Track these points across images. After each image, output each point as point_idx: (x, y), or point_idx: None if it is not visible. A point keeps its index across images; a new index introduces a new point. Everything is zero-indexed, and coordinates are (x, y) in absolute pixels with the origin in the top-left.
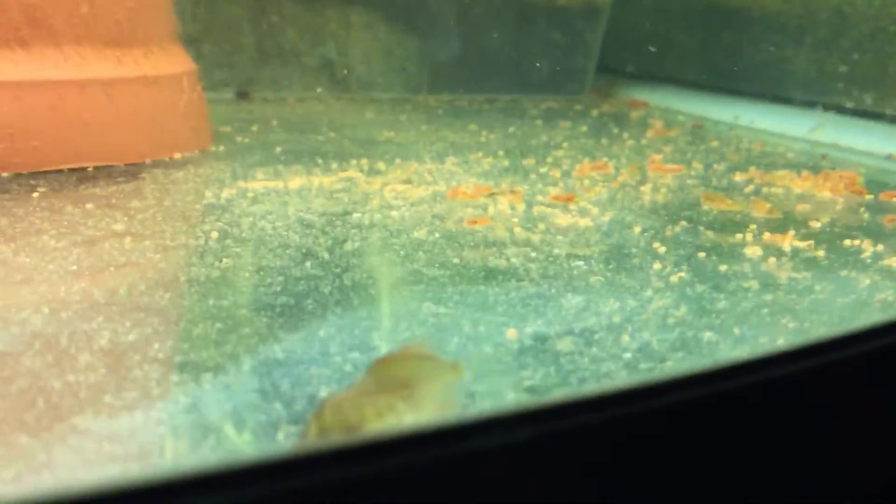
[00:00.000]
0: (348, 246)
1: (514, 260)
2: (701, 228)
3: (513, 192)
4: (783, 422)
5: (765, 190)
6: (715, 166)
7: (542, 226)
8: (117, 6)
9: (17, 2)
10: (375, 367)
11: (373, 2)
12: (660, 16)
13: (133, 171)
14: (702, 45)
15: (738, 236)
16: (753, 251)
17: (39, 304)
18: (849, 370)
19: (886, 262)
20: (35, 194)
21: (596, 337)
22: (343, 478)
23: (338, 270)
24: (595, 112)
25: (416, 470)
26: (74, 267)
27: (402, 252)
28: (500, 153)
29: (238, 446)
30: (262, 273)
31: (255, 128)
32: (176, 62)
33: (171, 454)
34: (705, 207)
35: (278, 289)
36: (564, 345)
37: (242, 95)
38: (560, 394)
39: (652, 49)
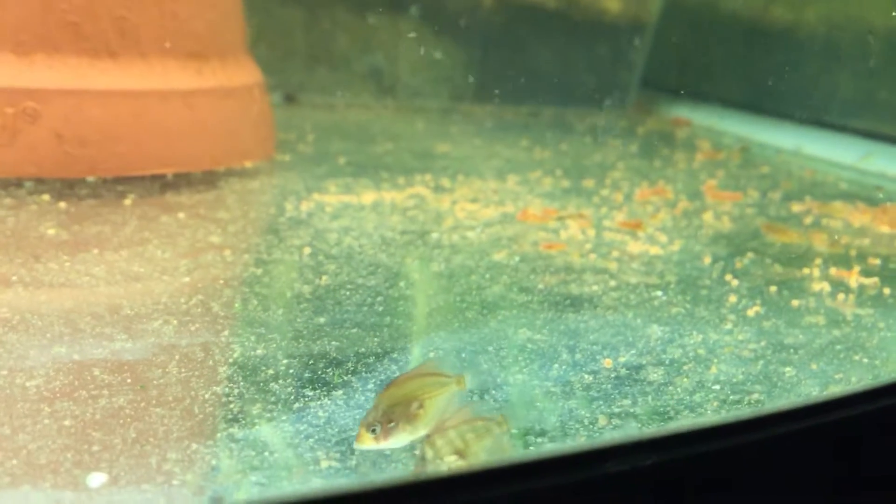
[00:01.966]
0: (435, 267)
1: (595, 287)
2: (768, 261)
3: (581, 215)
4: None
5: (824, 221)
6: (770, 194)
7: (615, 253)
8: (199, 19)
9: (108, 14)
10: (388, 390)
11: (422, 12)
12: (704, 34)
13: (210, 179)
14: (745, 65)
15: (805, 270)
16: (821, 286)
17: (167, 316)
18: None
19: None
20: (126, 201)
21: (685, 368)
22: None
23: (431, 292)
24: (641, 130)
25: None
26: (187, 279)
27: (486, 275)
28: (558, 173)
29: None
30: (361, 292)
31: (311, 136)
32: (248, 73)
33: (325, 465)
34: (768, 239)
35: (381, 308)
36: (657, 375)
37: (290, 100)
38: (682, 423)
39: (695, 67)
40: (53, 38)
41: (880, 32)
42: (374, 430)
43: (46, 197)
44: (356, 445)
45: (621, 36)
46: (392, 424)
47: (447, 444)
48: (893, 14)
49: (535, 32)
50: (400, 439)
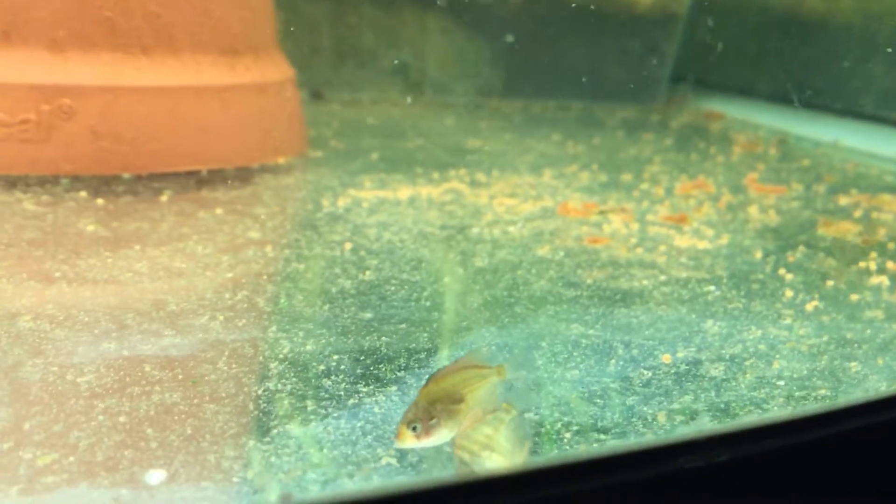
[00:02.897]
0: (479, 262)
1: (644, 282)
2: (821, 255)
3: (623, 209)
4: None
5: (874, 215)
6: (815, 187)
7: (662, 247)
8: (231, 16)
9: (142, 10)
10: (428, 385)
11: (449, 7)
12: (736, 25)
13: (244, 175)
14: (779, 56)
15: (862, 264)
16: (881, 280)
17: (213, 311)
18: None
19: None
20: (163, 197)
21: (747, 364)
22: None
23: (477, 287)
24: (674, 124)
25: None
26: (230, 274)
27: (532, 270)
28: (595, 167)
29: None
30: (407, 287)
31: (341, 132)
32: (280, 69)
33: (384, 462)
34: (820, 233)
35: (428, 304)
36: (718, 371)
37: (317, 96)
38: (753, 419)
39: (728, 59)
40: (88, 34)
41: None
42: (414, 428)
43: (83, 194)
44: (397, 444)
45: (652, 29)
46: (434, 421)
47: (475, 442)
48: None
49: (564, 26)
50: (441, 436)
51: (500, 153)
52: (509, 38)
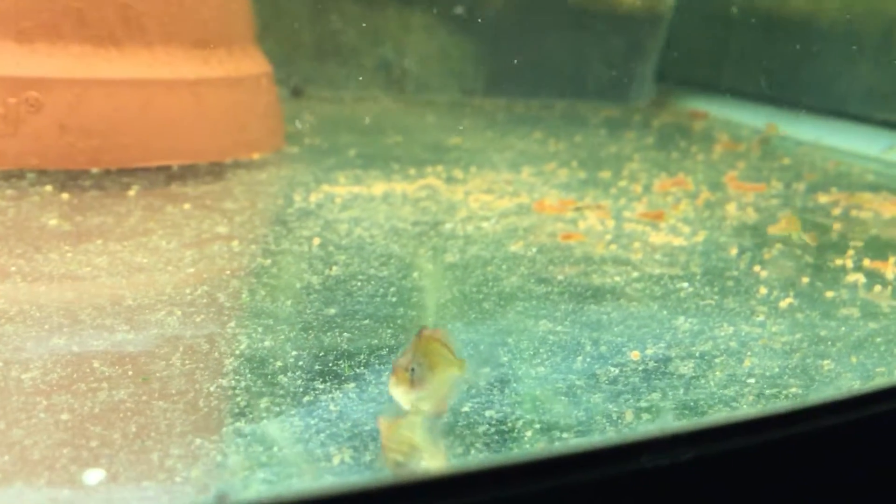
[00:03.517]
0: (450, 258)
1: (617, 279)
2: (798, 251)
3: (599, 206)
4: None
5: (853, 213)
6: (794, 185)
7: (637, 244)
8: (205, 7)
9: (113, 1)
10: (420, 337)
11: (432, 4)
12: (720, 24)
13: (217, 170)
14: (762, 56)
15: (839, 261)
16: (857, 277)
17: (171, 307)
18: None
19: None
20: (131, 192)
21: (717, 361)
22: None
23: (446, 283)
24: (656, 122)
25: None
26: (192, 269)
27: (503, 266)
28: (574, 164)
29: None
30: (373, 283)
31: (320, 129)
32: (255, 63)
33: (337, 460)
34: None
35: (394, 300)
36: (688, 368)
37: (297, 93)
38: (719, 417)
39: (711, 59)
40: (56, 25)
41: None
42: (413, 370)
43: (49, 188)
44: (391, 388)
45: (636, 28)
46: (423, 373)
47: (403, 443)
48: None
49: (547, 24)
50: (424, 392)
51: (480, 150)
52: (492, 36)
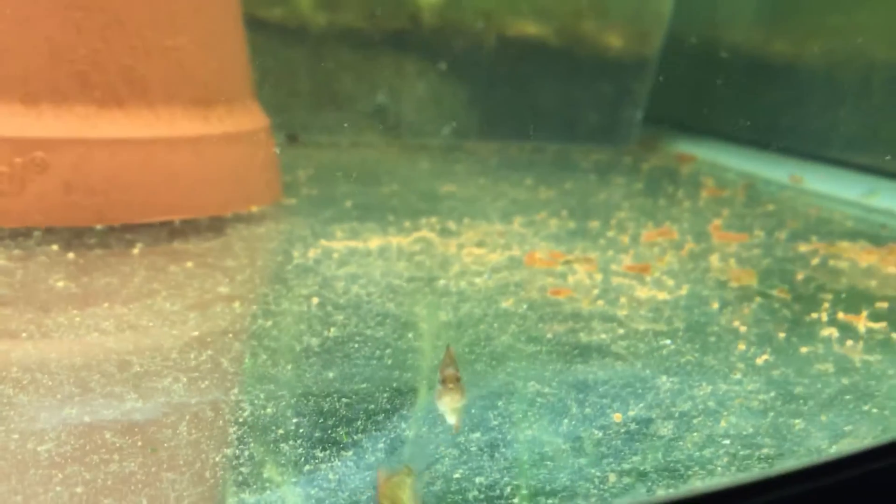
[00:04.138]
0: (444, 316)
1: (602, 336)
2: (776, 305)
3: (587, 259)
4: None
5: (831, 262)
6: (776, 234)
7: (623, 299)
8: (204, 68)
9: (116, 63)
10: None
11: (425, 50)
12: (706, 69)
13: (217, 225)
14: (747, 100)
15: (814, 315)
16: (830, 332)
17: (177, 372)
18: None
19: None
20: (135, 250)
21: (695, 422)
22: None
23: (440, 343)
24: (645, 166)
25: None
26: (196, 333)
27: (494, 324)
28: (564, 213)
29: None
30: (370, 344)
31: (316, 178)
32: (254, 118)
33: None
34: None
35: (389, 362)
36: (667, 430)
37: (293, 139)
38: (688, 489)
39: (698, 102)
40: (61, 87)
41: (882, 68)
42: (458, 379)
43: (55, 247)
44: (440, 400)
45: (624, 72)
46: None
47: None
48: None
49: (538, 69)
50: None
51: (473, 199)
52: (485, 82)
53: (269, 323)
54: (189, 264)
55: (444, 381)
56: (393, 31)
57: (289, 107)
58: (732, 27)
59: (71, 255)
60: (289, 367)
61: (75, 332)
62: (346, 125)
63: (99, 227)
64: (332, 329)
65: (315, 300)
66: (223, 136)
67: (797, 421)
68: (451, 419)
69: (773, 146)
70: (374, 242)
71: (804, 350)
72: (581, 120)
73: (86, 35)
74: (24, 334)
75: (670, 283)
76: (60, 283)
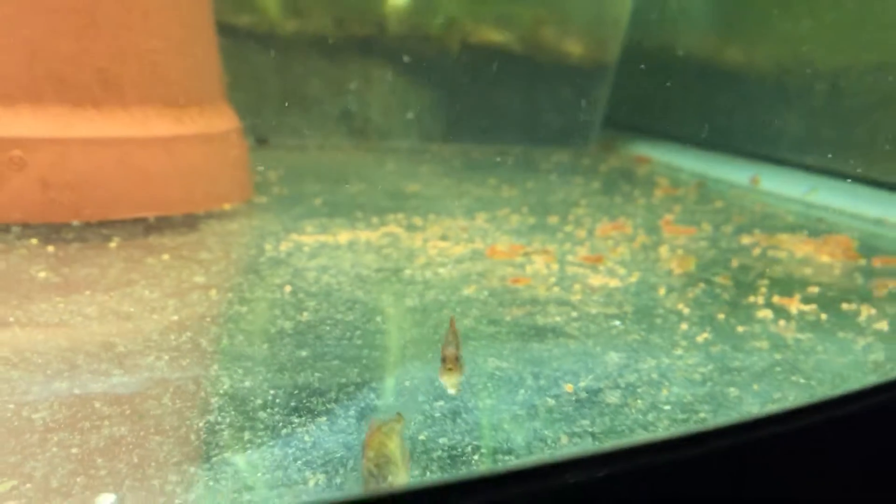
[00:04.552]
0: (409, 302)
1: (557, 318)
2: (717, 291)
3: (545, 251)
4: (790, 469)
5: (770, 253)
6: (723, 227)
7: (577, 286)
8: (178, 70)
9: (92, 65)
10: (451, 329)
11: (392, 56)
12: (662, 74)
13: (190, 221)
14: (701, 104)
15: (752, 298)
16: (765, 313)
17: (159, 352)
18: (845, 426)
19: (878, 325)
20: (112, 244)
21: (639, 391)
22: None
23: (406, 326)
24: (603, 167)
25: None
26: (175, 317)
27: (457, 309)
28: (525, 210)
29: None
30: (340, 327)
31: (286, 178)
32: (226, 119)
33: (312, 483)
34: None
35: (359, 342)
36: (614, 398)
37: (262, 142)
38: (627, 440)
39: (655, 106)
40: (39, 88)
41: (824, 74)
42: (458, 359)
43: (34, 241)
44: (443, 376)
45: (584, 77)
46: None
47: (380, 455)
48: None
49: (501, 75)
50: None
51: (438, 197)
52: (450, 86)
53: (245, 308)
54: (165, 257)
55: (444, 360)
56: (360, 37)
57: (259, 111)
58: (687, 35)
59: (50, 249)
60: (264, 346)
61: (60, 318)
62: (313, 129)
63: (76, 222)
64: (305, 314)
65: (288, 288)
66: (195, 136)
67: (732, 389)
68: (452, 391)
69: (724, 148)
70: (344, 237)
71: (741, 329)
72: (542, 123)
73: (63, 38)
74: (11, 319)
75: (622, 271)
76: (42, 274)
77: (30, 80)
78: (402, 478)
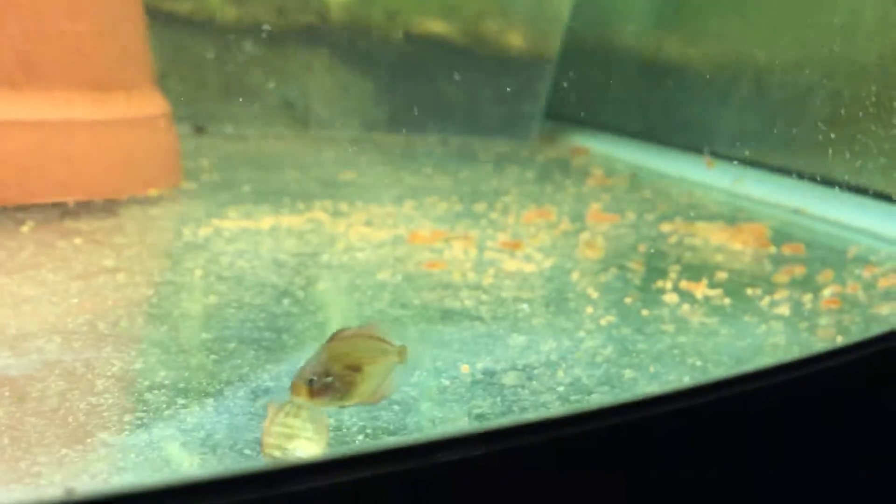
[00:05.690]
0: (320, 286)
1: (467, 302)
2: (629, 276)
3: (466, 237)
4: (688, 451)
5: (686, 240)
6: (646, 216)
7: (491, 270)
8: (102, 53)
9: (12, 48)
10: (331, 342)
11: (334, 45)
12: (602, 68)
13: (111, 207)
14: (638, 97)
15: (660, 283)
16: (671, 298)
17: (51, 334)
18: (740, 406)
19: (779, 310)
20: (24, 228)
21: (536, 372)
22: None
23: (312, 308)
24: (540, 157)
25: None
26: (76, 300)
27: (368, 293)
28: (454, 198)
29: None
30: (245, 309)
31: (219, 166)
32: (154, 105)
33: (187, 465)
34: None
35: (262, 324)
36: (509, 379)
37: (200, 130)
38: (508, 419)
39: (594, 99)
40: None
41: (752, 70)
42: (311, 382)
43: None
44: (292, 397)
45: (524, 69)
46: (330, 380)
47: (280, 436)
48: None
49: (443, 66)
50: (331, 400)
51: (370, 185)
52: (392, 76)
53: (151, 292)
54: (77, 241)
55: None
56: (301, 26)
57: (197, 98)
58: (627, 30)
59: None
60: (164, 329)
61: None
62: (253, 118)
63: None
64: (212, 297)
65: (199, 272)
66: (121, 120)
67: (628, 371)
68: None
69: (660, 140)
70: (266, 223)
71: (645, 313)
72: (484, 114)
73: None
74: None
75: (538, 257)
76: None
77: None
78: (315, 448)
